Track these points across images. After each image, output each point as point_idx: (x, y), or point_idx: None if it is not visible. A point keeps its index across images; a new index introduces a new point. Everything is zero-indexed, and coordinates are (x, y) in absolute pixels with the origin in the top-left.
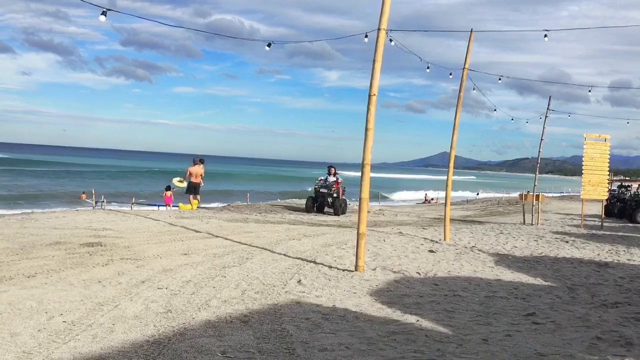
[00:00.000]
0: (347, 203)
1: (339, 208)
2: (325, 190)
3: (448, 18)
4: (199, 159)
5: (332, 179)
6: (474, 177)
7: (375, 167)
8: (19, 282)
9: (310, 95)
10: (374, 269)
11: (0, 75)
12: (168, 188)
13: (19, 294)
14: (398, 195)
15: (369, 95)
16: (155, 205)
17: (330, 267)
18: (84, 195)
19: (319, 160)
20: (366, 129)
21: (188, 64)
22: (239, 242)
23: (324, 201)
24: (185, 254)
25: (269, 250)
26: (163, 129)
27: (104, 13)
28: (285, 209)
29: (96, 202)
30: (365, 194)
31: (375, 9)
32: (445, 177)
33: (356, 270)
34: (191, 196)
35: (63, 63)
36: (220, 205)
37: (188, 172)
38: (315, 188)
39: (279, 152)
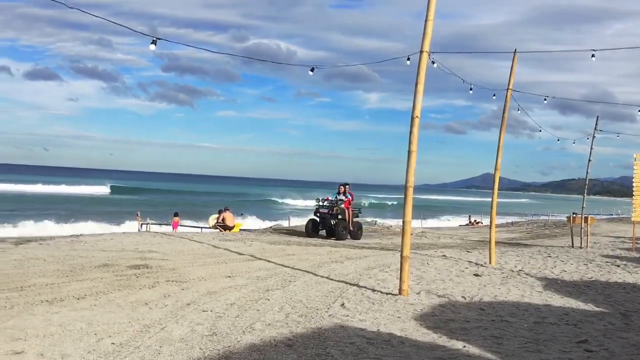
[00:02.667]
0: (362, 227)
1: (341, 232)
2: (325, 211)
3: (489, 39)
4: (225, 208)
5: (340, 197)
6: (523, 199)
7: (416, 189)
8: (69, 303)
9: (351, 117)
10: (418, 293)
11: (50, 101)
12: (176, 214)
13: (70, 315)
14: (440, 218)
15: (412, 118)
16: (198, 227)
17: (373, 290)
18: (139, 217)
19: (361, 182)
20: (409, 151)
21: (228, 88)
22: (282, 265)
23: (326, 223)
24: (229, 277)
25: (312, 273)
26: (206, 152)
27: (154, 42)
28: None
29: (141, 225)
30: (408, 216)
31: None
32: (488, 199)
33: (400, 293)
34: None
35: (108, 89)
36: (262, 227)
37: (222, 217)
38: (316, 208)
39: (320, 174)
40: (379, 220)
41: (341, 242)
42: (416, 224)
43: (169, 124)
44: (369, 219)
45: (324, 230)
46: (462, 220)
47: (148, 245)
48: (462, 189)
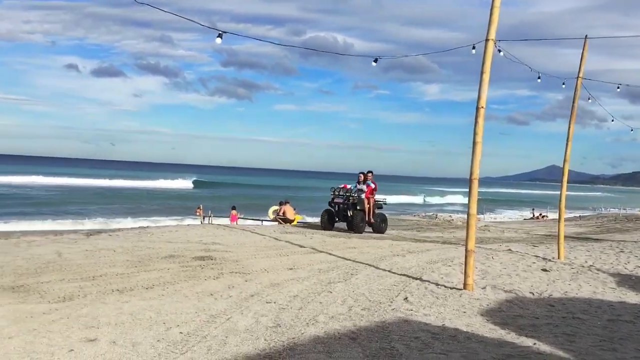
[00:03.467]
0: (386, 219)
1: (358, 224)
2: (340, 201)
3: (554, 26)
4: (285, 200)
5: (360, 187)
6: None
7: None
8: (138, 293)
9: (410, 109)
10: (484, 288)
11: (117, 97)
12: (234, 208)
13: (139, 305)
14: (503, 211)
15: (477, 108)
16: (259, 220)
17: (437, 284)
18: (199, 210)
19: (420, 175)
20: (474, 142)
21: (286, 82)
22: (343, 258)
23: (341, 214)
24: (291, 269)
25: (373, 266)
26: (266, 146)
27: (220, 36)
28: (388, 225)
29: (204, 217)
30: (473, 209)
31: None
32: (553, 192)
33: (465, 288)
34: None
35: (170, 85)
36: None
37: (282, 210)
38: (331, 197)
39: (379, 166)
40: (440, 214)
41: (402, 235)
42: (478, 217)
43: (228, 118)
44: (429, 212)
45: (345, 223)
46: (526, 213)
47: (212, 237)
48: (526, 182)
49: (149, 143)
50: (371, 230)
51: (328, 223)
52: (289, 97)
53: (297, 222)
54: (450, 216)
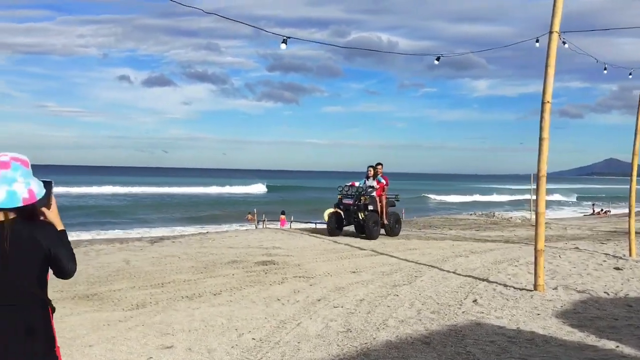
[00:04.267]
0: (400, 218)
1: (372, 228)
2: (349, 202)
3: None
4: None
5: (370, 183)
6: None
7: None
8: (207, 299)
9: (458, 106)
10: (555, 288)
11: (167, 106)
12: (283, 212)
13: (210, 311)
14: (560, 207)
15: (542, 103)
16: (312, 222)
17: (505, 285)
18: (250, 216)
19: (470, 173)
20: (540, 139)
21: (332, 84)
22: (405, 260)
23: (352, 217)
24: (354, 272)
25: (437, 267)
26: (313, 148)
27: (284, 41)
28: (445, 225)
29: (258, 222)
30: (542, 207)
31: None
32: (612, 186)
33: (535, 289)
34: None
35: (217, 92)
36: None
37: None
38: (338, 199)
39: (428, 165)
40: (497, 212)
41: (462, 235)
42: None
43: (276, 122)
44: (485, 211)
45: (353, 226)
46: (585, 209)
47: (271, 242)
48: (582, 177)
49: (199, 149)
50: (384, 233)
51: (336, 228)
52: (335, 98)
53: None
54: (508, 214)
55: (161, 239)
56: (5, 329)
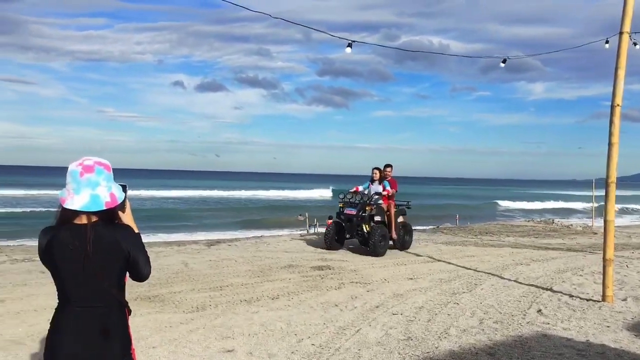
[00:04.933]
0: (412, 229)
1: (378, 242)
2: (352, 212)
3: None
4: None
5: (375, 188)
6: None
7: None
8: (265, 303)
9: (513, 110)
10: (624, 299)
11: (219, 111)
12: (330, 217)
13: (268, 315)
14: (623, 214)
15: (612, 106)
16: None
17: (570, 296)
18: (300, 217)
19: (526, 178)
20: (610, 144)
21: (382, 88)
22: (463, 267)
23: (355, 229)
24: (411, 279)
25: (497, 275)
26: (364, 152)
27: (349, 45)
28: (502, 232)
29: (309, 226)
30: (611, 214)
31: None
32: None
33: (604, 300)
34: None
35: (268, 96)
36: (428, 227)
37: None
38: (340, 207)
39: (481, 170)
40: (557, 219)
41: (521, 242)
42: (592, 221)
43: (327, 126)
44: (543, 217)
45: (357, 239)
46: None
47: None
48: None
49: (250, 153)
50: (392, 245)
51: (335, 241)
52: (386, 103)
53: None
54: (568, 221)
55: (217, 242)
56: (85, 330)
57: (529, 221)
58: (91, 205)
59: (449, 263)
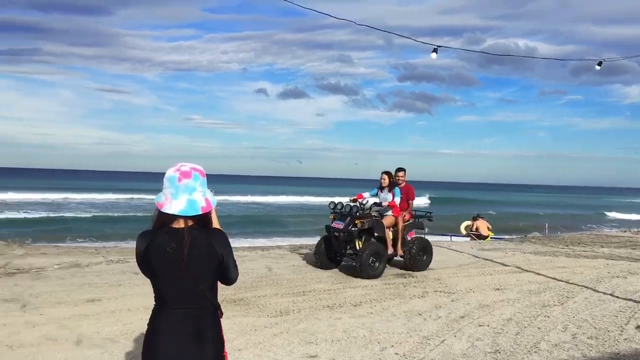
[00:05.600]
0: (430, 246)
1: (365, 263)
2: (339, 225)
3: None
4: (478, 215)
5: (385, 196)
6: None
7: None
8: (347, 310)
9: (607, 114)
10: None
11: (301, 117)
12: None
13: (351, 322)
14: None
15: None
16: (447, 235)
17: None
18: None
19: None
20: None
21: (466, 93)
22: (553, 278)
23: (341, 247)
24: (498, 289)
25: (591, 288)
26: (447, 158)
27: (435, 50)
28: (596, 242)
29: None
30: None
31: None
32: None
33: None
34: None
35: (349, 103)
36: (515, 236)
37: (476, 226)
38: (331, 219)
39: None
40: None
41: (617, 253)
42: None
43: (409, 132)
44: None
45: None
46: None
47: None
48: None
49: (332, 160)
50: (402, 259)
51: (326, 257)
52: (470, 108)
53: (490, 238)
54: None
55: (300, 247)
56: (180, 331)
57: (625, 231)
58: (188, 210)
59: (538, 274)
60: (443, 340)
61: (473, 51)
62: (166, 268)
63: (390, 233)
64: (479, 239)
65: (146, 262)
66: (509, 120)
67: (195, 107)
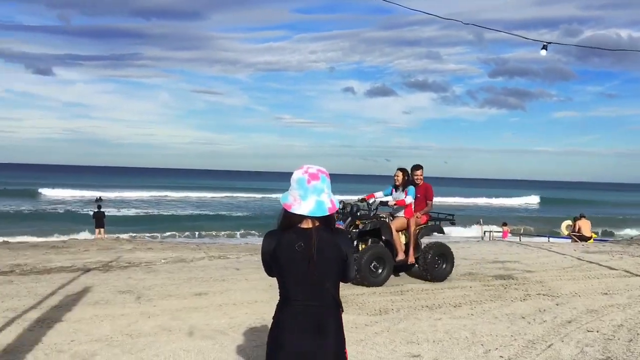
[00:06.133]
0: (450, 252)
1: (366, 268)
2: (339, 226)
3: None
4: (581, 215)
5: (398, 195)
6: None
7: None
8: (447, 310)
9: None
10: None
11: (389, 115)
12: (505, 224)
13: (452, 323)
14: None
15: None
16: (544, 236)
17: None
18: (481, 222)
19: None
20: None
21: (563, 87)
22: None
23: None
24: (606, 294)
25: None
26: (543, 156)
27: (544, 47)
28: None
29: (484, 233)
30: None
31: None
32: None
33: None
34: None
35: (438, 100)
36: (620, 239)
37: (578, 227)
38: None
39: None
40: None
41: None
42: None
43: (500, 129)
44: None
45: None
46: None
47: (507, 255)
48: None
49: (420, 158)
50: (417, 268)
51: None
52: (567, 103)
53: (593, 240)
54: None
55: None
56: (304, 327)
57: None
58: (317, 211)
59: None
60: (550, 345)
61: (584, 46)
62: (294, 266)
63: (403, 237)
64: (580, 240)
65: (274, 260)
66: (611, 115)
67: (285, 107)
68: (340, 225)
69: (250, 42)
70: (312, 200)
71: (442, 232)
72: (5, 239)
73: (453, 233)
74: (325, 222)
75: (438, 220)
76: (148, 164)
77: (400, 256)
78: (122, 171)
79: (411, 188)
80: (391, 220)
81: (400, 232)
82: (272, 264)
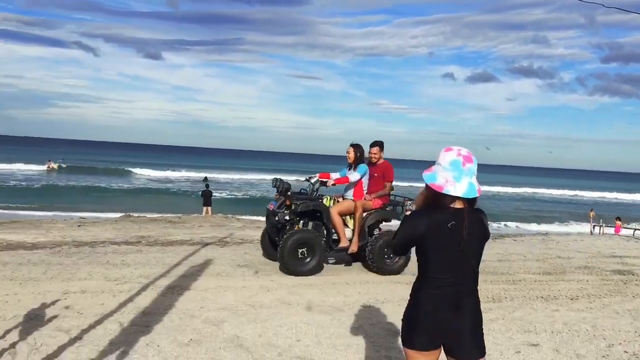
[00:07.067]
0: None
1: (287, 256)
2: (272, 206)
3: None
4: None
5: (351, 175)
6: None
7: None
8: (564, 302)
9: None
10: None
11: (491, 102)
12: (618, 218)
13: (570, 316)
14: None
15: None
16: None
17: None
18: (592, 213)
19: None
20: None
21: None
22: None
23: (274, 233)
24: None
25: None
26: None
27: None
28: None
29: (593, 227)
30: None
31: None
32: None
33: None
34: None
35: (544, 87)
36: None
37: None
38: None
39: None
40: None
41: None
42: None
43: (613, 118)
44: None
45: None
46: None
47: (624, 250)
48: None
49: (523, 147)
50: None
51: (270, 245)
52: None
53: None
54: None
55: (501, 236)
56: (443, 304)
57: None
58: (469, 192)
59: None
60: None
61: None
62: (445, 244)
63: (351, 221)
64: None
65: (424, 239)
66: None
67: (383, 92)
68: (273, 205)
69: (350, 26)
70: (465, 182)
71: (396, 218)
72: (128, 212)
73: (559, 228)
74: (473, 203)
75: (396, 205)
76: (248, 146)
77: (343, 243)
78: (223, 153)
79: (361, 166)
80: (337, 203)
81: (346, 216)
82: (421, 243)
